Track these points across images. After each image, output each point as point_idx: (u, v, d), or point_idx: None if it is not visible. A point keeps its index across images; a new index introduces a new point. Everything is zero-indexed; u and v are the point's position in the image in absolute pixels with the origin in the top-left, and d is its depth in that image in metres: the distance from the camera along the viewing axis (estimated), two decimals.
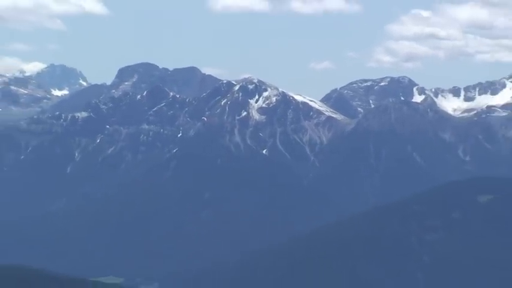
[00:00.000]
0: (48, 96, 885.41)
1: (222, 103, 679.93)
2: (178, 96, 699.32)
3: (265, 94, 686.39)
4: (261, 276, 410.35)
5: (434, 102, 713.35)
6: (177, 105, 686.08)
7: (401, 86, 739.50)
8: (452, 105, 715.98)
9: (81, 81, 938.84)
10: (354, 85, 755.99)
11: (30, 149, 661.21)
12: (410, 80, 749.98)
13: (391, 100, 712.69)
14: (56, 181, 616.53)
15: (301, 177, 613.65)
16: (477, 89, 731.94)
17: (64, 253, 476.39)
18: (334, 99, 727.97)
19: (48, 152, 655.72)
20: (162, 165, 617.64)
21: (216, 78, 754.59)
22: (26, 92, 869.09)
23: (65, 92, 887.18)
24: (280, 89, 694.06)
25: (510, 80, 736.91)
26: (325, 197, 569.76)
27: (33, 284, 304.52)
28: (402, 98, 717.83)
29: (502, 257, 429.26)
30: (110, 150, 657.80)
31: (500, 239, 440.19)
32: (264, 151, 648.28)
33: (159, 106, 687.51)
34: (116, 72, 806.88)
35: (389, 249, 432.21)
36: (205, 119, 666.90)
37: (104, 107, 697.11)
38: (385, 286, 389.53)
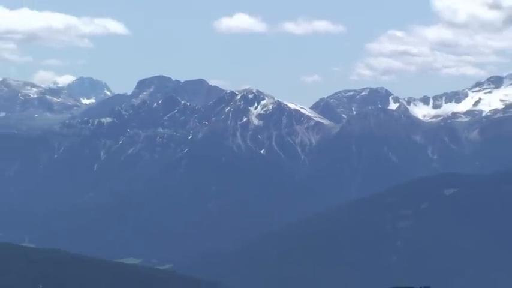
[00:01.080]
0: (78, 104, 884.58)
1: (226, 110, 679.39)
2: (188, 104, 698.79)
3: (263, 102, 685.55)
4: (259, 258, 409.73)
5: (407, 109, 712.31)
6: (188, 112, 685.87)
7: (378, 96, 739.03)
8: (422, 112, 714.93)
9: (105, 91, 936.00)
10: (339, 95, 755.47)
11: (62, 149, 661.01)
12: (386, 91, 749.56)
13: (370, 108, 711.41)
14: (84, 177, 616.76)
15: (293, 173, 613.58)
16: (444, 98, 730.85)
17: (91, 239, 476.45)
18: (321, 107, 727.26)
19: (77, 152, 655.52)
20: (175, 163, 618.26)
21: (220, 89, 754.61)
22: (58, 100, 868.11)
23: (92, 100, 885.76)
24: (275, 98, 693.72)
25: (472, 90, 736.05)
26: (313, 190, 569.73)
27: (68, 265, 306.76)
28: (380, 106, 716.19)
29: (464, 240, 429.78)
30: (130, 151, 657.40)
31: (462, 226, 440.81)
32: (261, 151, 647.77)
33: (172, 113, 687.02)
34: (135, 84, 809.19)
35: (368, 235, 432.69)
36: (206, 123, 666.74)
37: (125, 113, 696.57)
38: (365, 266, 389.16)
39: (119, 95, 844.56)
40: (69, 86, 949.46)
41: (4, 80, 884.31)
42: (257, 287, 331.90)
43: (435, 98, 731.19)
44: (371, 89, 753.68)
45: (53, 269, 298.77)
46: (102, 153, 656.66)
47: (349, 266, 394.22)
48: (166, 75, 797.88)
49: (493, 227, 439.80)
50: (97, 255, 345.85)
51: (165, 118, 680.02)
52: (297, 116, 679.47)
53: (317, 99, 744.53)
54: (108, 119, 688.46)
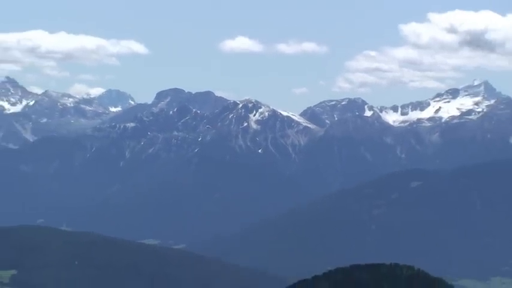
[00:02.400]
0: (107, 112, 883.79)
1: (230, 117, 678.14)
2: (198, 112, 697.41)
3: (260, 110, 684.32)
4: (257, 239, 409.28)
5: (380, 116, 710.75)
6: (198, 118, 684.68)
7: (356, 105, 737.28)
8: (392, 118, 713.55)
9: (130, 101, 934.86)
10: (323, 104, 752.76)
11: (94, 149, 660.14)
12: (362, 101, 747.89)
13: (349, 115, 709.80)
14: (112, 172, 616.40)
15: (285, 169, 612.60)
16: (410, 107, 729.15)
17: (118, 223, 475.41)
18: (309, 114, 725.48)
19: (106, 151, 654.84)
20: (187, 161, 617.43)
21: (225, 99, 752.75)
22: (91, 108, 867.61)
23: (119, 108, 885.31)
24: (271, 107, 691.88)
25: (433, 100, 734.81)
26: (302, 184, 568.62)
27: (98, 245, 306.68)
28: (357, 113, 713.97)
29: (427, 225, 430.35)
30: (150, 150, 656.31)
31: (426, 213, 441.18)
32: (259, 150, 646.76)
33: (185, 119, 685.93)
34: (154, 95, 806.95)
35: (347, 220, 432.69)
36: (210, 127, 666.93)
37: (146, 119, 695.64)
38: (344, 247, 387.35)
39: (140, 104, 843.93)
40: (100, 97, 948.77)
41: (46, 91, 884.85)
42: (256, 262, 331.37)
43: (403, 106, 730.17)
44: (350, 99, 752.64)
45: (86, 248, 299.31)
46: (127, 153, 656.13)
47: (332, 244, 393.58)
48: (180, 88, 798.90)
49: (451, 214, 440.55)
50: (122, 237, 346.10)
51: (179, 123, 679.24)
52: (288, 121, 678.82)
53: (305, 108, 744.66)
54: (132, 124, 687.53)
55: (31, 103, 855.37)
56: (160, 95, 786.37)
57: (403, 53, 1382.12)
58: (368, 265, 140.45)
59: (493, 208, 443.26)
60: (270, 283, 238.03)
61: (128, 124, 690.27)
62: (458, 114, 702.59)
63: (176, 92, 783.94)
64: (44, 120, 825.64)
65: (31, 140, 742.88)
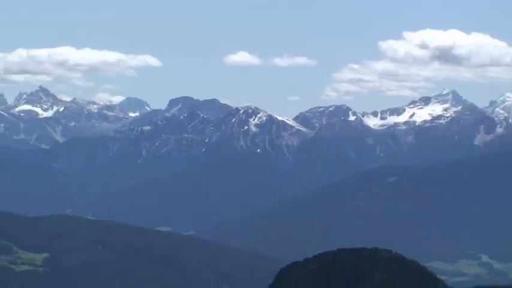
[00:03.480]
0: (126, 116, 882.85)
1: (232, 121, 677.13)
2: (205, 116, 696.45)
3: (259, 115, 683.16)
4: (257, 225, 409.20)
5: (362, 120, 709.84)
6: (205, 122, 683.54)
7: (342, 111, 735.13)
8: (372, 122, 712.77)
9: (146, 107, 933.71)
10: (313, 110, 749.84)
11: (115, 149, 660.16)
12: (347, 107, 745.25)
13: (335, 119, 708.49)
14: (131, 169, 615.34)
15: (280, 166, 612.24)
16: (388, 112, 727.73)
17: (136, 213, 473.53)
18: (300, 118, 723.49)
19: (126, 151, 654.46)
20: (196, 159, 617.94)
21: (228, 106, 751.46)
22: (112, 114, 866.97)
23: (137, 114, 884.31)
24: (268, 112, 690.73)
25: (408, 107, 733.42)
26: (295, 178, 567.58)
27: (119, 231, 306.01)
28: (342, 118, 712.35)
29: (402, 214, 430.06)
30: (163, 150, 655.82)
31: (401, 203, 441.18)
32: (258, 150, 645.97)
33: (194, 123, 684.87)
34: (167, 102, 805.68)
35: (334, 209, 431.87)
36: (213, 129, 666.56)
37: (160, 123, 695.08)
38: (331, 233, 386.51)
39: (155, 110, 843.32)
40: (120, 104, 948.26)
41: (73, 99, 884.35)
42: (254, 246, 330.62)
43: (382, 112, 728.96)
44: (336, 106, 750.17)
45: (108, 234, 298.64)
46: (143, 152, 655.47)
47: (321, 230, 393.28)
48: (189, 96, 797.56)
49: (423, 204, 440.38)
50: (139, 224, 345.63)
51: (189, 127, 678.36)
52: (283, 125, 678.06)
53: (297, 113, 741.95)
54: (148, 127, 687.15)
55: (61, 109, 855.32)
56: (172, 102, 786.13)
57: (381, 66, 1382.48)
58: (352, 249, 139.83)
59: (460, 199, 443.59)
60: (266, 264, 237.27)
61: (145, 127, 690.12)
62: (430, 118, 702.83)
63: (186, 99, 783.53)
64: (72, 123, 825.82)
65: (61, 141, 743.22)
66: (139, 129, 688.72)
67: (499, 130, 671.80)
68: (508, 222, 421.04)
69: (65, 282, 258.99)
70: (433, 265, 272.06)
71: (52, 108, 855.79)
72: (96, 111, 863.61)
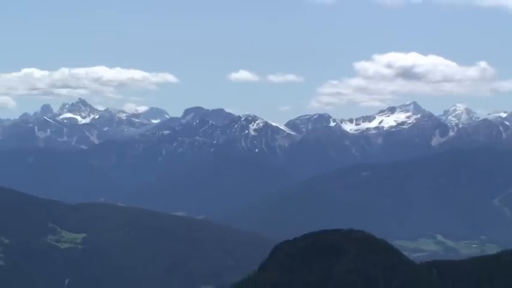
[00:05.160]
0: (149, 123, 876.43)
1: (235, 126, 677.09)
2: (213, 123, 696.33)
3: (257, 122, 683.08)
4: (254, 211, 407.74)
5: (340, 126, 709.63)
6: (213, 128, 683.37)
7: (324, 118, 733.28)
8: (349, 127, 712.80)
9: (165, 115, 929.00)
10: (301, 117, 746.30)
11: (140, 149, 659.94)
12: (328, 115, 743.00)
13: (319, 125, 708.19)
14: (153, 165, 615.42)
15: (274, 163, 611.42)
16: (361, 119, 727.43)
17: (157, 200, 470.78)
18: (291, 124, 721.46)
19: (149, 151, 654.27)
20: (206, 158, 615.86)
21: (232, 114, 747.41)
22: (138, 120, 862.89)
23: (158, 121, 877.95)
24: (264, 119, 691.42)
25: (378, 115, 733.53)
26: (286, 173, 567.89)
27: (143, 216, 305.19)
28: (324, 124, 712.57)
29: (373, 203, 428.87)
30: (179, 150, 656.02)
31: (373, 193, 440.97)
32: (256, 150, 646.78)
33: (204, 128, 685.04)
34: (183, 111, 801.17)
35: (318, 199, 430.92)
36: (221, 133, 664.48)
37: (177, 128, 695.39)
38: (316, 217, 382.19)
39: (173, 117, 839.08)
40: (144, 112, 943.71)
41: (106, 109, 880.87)
42: (253, 227, 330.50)
43: (357, 119, 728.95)
44: (319, 114, 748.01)
45: (135, 218, 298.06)
46: (163, 151, 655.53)
47: (307, 215, 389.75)
48: (200, 106, 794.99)
49: (390, 194, 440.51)
50: (160, 210, 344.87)
51: (200, 131, 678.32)
52: (276, 130, 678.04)
53: (288, 120, 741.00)
54: (167, 132, 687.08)
55: (96, 117, 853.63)
56: (187, 111, 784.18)
57: (356, 82, 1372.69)
58: (332, 230, 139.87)
59: (419, 190, 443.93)
60: (263, 242, 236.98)
61: (164, 132, 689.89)
62: (395, 124, 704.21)
63: (198, 109, 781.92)
64: (105, 128, 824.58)
65: (96, 142, 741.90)
66: (159, 133, 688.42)
67: (451, 134, 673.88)
68: (458, 208, 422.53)
69: (99, 257, 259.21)
70: (398, 243, 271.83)
71: (89, 116, 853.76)
72: (125, 118, 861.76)
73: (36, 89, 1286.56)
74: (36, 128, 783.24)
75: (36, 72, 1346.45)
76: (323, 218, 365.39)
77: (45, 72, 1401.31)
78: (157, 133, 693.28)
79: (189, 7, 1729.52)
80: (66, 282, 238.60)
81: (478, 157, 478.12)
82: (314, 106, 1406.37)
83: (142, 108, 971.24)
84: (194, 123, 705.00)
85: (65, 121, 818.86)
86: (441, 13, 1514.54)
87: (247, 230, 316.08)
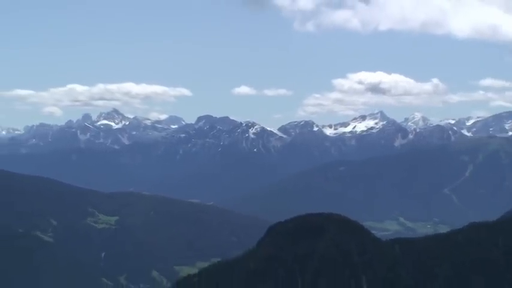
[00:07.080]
0: (169, 128, 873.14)
1: (238, 131, 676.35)
2: (221, 128, 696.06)
3: (255, 127, 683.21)
4: (253, 198, 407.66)
5: (322, 131, 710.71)
6: (220, 132, 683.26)
7: (309, 124, 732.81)
8: (329, 131, 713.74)
9: (182, 122, 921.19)
10: (291, 124, 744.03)
11: (162, 149, 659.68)
12: (312, 122, 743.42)
13: (305, 130, 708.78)
14: (172, 162, 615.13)
15: (269, 160, 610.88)
16: (339, 125, 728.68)
17: (175, 190, 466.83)
18: (282, 129, 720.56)
19: (169, 151, 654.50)
20: (215, 156, 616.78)
21: (235, 121, 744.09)
22: (160, 126, 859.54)
23: (176, 126, 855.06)
24: (261, 125, 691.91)
25: (352, 121, 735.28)
26: (279, 168, 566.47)
27: (163, 204, 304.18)
28: (309, 129, 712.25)
29: (348, 192, 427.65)
30: (193, 150, 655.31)
31: (348, 184, 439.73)
32: (255, 150, 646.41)
33: (213, 132, 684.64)
34: (196, 118, 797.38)
35: (305, 190, 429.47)
36: (227, 136, 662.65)
37: (191, 132, 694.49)
38: (303, 204, 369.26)
39: (188, 124, 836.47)
40: (165, 120, 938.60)
41: (135, 117, 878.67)
42: (253, 212, 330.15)
43: (335, 125, 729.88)
44: (305, 121, 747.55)
45: (157, 204, 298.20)
46: (180, 151, 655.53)
47: (296, 203, 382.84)
48: (210, 114, 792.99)
49: (362, 185, 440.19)
50: (177, 197, 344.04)
51: (210, 135, 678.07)
52: (271, 133, 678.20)
53: (280, 126, 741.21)
54: (183, 135, 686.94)
55: (127, 123, 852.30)
56: (199, 119, 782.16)
57: (334, 95, 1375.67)
58: (316, 213, 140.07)
59: (385, 182, 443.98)
60: (261, 224, 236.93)
61: (181, 135, 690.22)
62: (366, 129, 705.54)
63: (208, 117, 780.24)
64: (134, 133, 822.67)
65: (127, 144, 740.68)
66: (177, 136, 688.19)
67: (410, 137, 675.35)
68: (416, 196, 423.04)
69: (129, 236, 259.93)
70: (368, 224, 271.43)
71: (121, 123, 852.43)
72: (149, 124, 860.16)
73: (78, 101, 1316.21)
74: (78, 132, 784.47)
75: (78, 87, 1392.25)
76: (308, 204, 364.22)
77: (86, 87, 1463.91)
78: (175, 136, 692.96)
79: (202, 35, 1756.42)
80: (103, 255, 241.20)
81: (432, 156, 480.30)
82: (301, 114, 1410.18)
83: (163, 116, 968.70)
84: (205, 128, 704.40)
85: (102, 126, 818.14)
86: (402, 40, 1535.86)
87: (248, 214, 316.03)
